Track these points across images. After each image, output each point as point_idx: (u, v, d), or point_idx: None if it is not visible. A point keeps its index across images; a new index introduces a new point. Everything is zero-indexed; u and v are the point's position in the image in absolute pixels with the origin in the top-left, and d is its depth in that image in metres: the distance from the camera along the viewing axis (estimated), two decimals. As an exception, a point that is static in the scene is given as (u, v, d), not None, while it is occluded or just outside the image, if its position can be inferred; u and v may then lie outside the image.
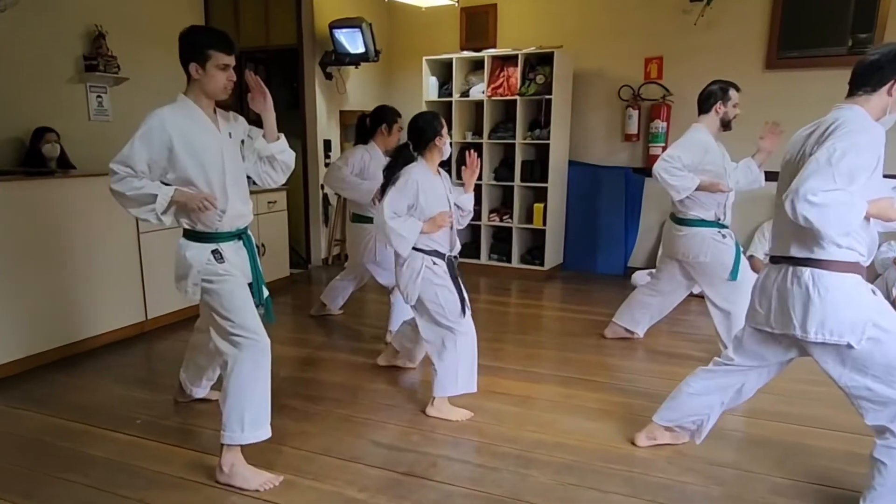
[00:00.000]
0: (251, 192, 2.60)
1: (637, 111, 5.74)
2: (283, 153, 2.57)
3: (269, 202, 5.11)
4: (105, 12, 4.58)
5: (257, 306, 2.49)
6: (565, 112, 5.88)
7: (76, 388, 3.33)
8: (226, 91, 2.37)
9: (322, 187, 6.19)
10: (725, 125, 3.44)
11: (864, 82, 2.03)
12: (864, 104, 2.03)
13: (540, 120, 5.77)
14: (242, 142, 2.53)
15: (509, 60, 5.79)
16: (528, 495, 2.31)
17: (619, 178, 5.91)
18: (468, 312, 2.96)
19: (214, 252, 2.39)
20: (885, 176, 2.05)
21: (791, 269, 2.09)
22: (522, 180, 5.87)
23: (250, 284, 2.50)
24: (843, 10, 4.94)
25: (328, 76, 6.08)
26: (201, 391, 3.05)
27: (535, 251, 6.06)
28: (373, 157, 3.83)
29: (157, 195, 2.28)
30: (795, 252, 2.08)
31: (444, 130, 2.94)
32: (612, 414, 2.99)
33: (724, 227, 3.47)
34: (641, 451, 2.63)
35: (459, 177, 3.17)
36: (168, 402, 3.10)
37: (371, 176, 3.75)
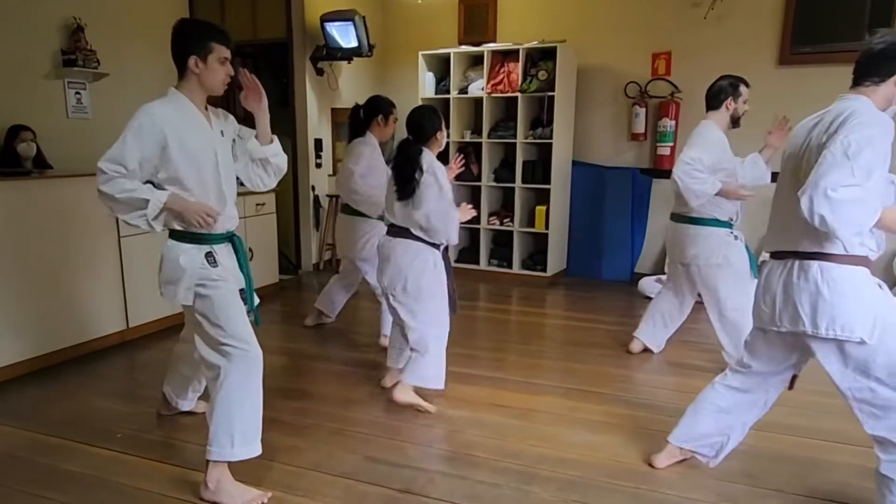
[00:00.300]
0: (237, 194, 2.61)
1: (644, 109, 5.78)
2: (277, 156, 2.59)
3: (257, 204, 5.13)
4: (84, 4, 4.59)
5: (248, 313, 2.51)
6: (569, 110, 5.92)
7: (53, 400, 3.33)
8: (224, 86, 2.40)
9: (313, 188, 6.22)
10: (735, 122, 3.50)
11: (871, 72, 2.05)
12: (870, 95, 2.05)
13: (542, 118, 5.80)
14: (234, 141, 2.55)
15: (510, 55, 5.82)
16: (529, 513, 2.33)
17: (625, 179, 5.94)
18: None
19: (208, 255, 2.40)
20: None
21: (797, 263, 2.10)
22: (524, 181, 5.90)
23: (241, 290, 2.51)
24: (860, 3, 4.99)
25: (319, 72, 6.11)
26: (187, 403, 3.05)
27: (537, 256, 6.08)
28: (374, 150, 3.89)
29: (148, 200, 2.27)
30: (803, 246, 2.09)
31: (443, 124, 3.15)
32: (618, 427, 3.01)
33: (731, 226, 3.52)
34: (648, 466, 2.65)
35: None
36: (150, 414, 3.11)
37: (374, 170, 3.81)
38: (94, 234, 3.88)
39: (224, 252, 2.48)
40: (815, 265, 2.05)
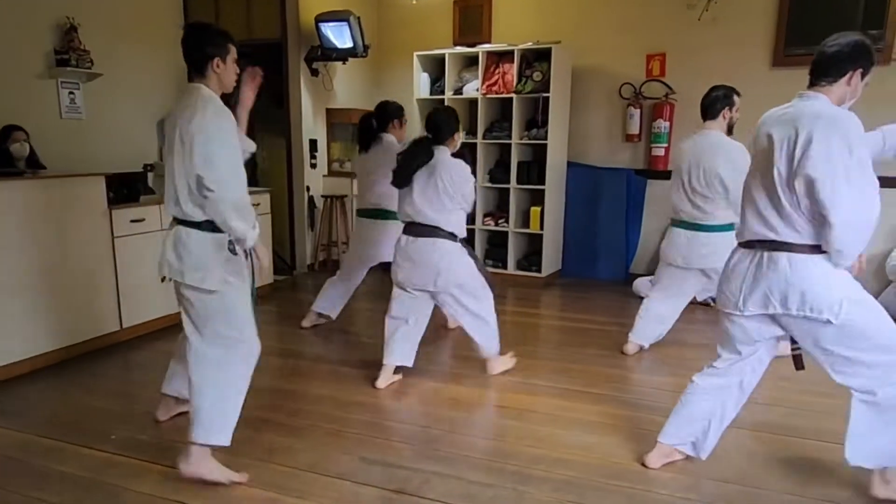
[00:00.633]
0: None
1: (639, 110, 5.79)
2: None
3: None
4: (77, 4, 4.56)
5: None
6: (564, 111, 5.93)
7: (47, 401, 3.32)
8: (234, 84, 2.56)
9: (307, 189, 6.21)
10: (730, 130, 3.63)
11: (825, 73, 2.20)
12: (826, 93, 2.20)
13: (537, 119, 5.82)
14: None
15: (505, 56, 5.83)
16: (525, 513, 2.33)
17: (620, 180, 5.96)
18: None
19: (230, 243, 2.46)
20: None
21: (766, 254, 2.22)
22: (519, 182, 5.91)
23: None
24: (853, 5, 5.02)
25: (314, 72, 6.10)
26: None
27: (532, 257, 6.09)
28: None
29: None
30: (772, 235, 2.21)
31: (460, 126, 3.44)
32: (614, 427, 3.02)
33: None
34: (643, 466, 2.65)
35: None
36: (144, 415, 3.09)
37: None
38: (87, 235, 3.87)
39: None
40: (783, 257, 2.18)
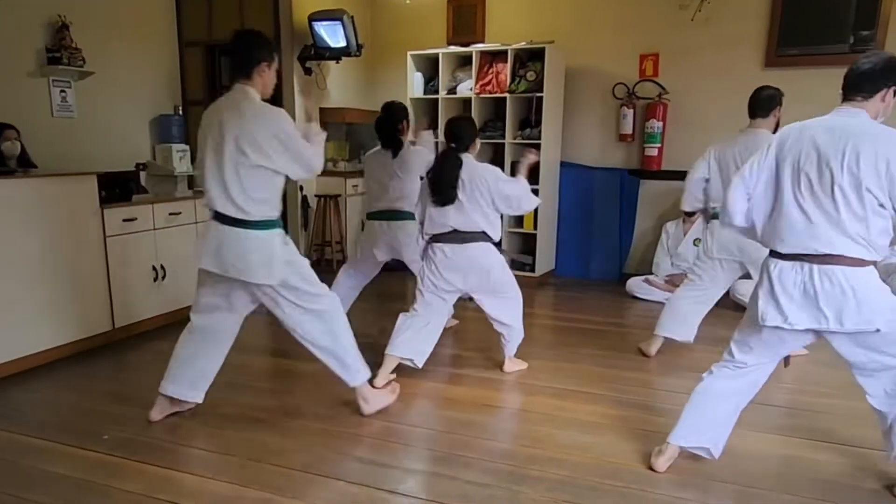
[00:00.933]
0: None
1: (632, 110, 5.80)
2: None
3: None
4: (68, 2, 4.53)
5: None
6: (557, 110, 5.93)
7: (38, 402, 3.29)
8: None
9: (301, 189, 6.18)
10: (776, 128, 3.61)
11: (858, 89, 2.21)
12: (863, 109, 2.20)
13: (530, 118, 5.81)
14: None
15: (498, 56, 5.82)
16: (520, 513, 2.32)
17: (613, 180, 5.96)
18: None
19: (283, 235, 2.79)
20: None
21: (816, 267, 2.19)
22: (512, 182, 5.89)
23: None
24: (845, 6, 5.04)
25: (307, 71, 6.08)
26: (199, 395, 3.01)
27: (525, 256, 6.07)
28: None
29: None
30: (825, 249, 2.18)
31: (477, 131, 3.57)
32: (609, 427, 3.01)
33: None
34: (638, 466, 2.65)
35: None
36: (137, 416, 3.06)
37: None
38: (78, 234, 3.83)
39: None
40: (838, 270, 2.17)
